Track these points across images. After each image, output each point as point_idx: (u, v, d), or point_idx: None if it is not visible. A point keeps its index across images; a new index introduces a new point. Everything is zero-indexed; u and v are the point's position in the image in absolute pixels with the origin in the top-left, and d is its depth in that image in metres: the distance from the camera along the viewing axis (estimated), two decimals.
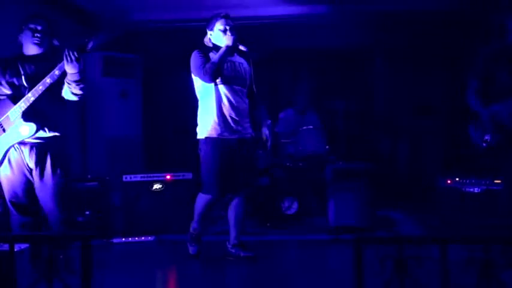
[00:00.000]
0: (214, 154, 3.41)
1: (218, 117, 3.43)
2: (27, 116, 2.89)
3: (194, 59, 3.44)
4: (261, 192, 4.71)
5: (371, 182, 4.35)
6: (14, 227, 3.08)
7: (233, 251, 3.60)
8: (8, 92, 2.99)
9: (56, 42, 3.11)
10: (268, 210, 4.67)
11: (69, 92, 2.97)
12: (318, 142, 5.00)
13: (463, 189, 3.94)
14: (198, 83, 3.50)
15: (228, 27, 3.44)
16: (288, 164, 4.97)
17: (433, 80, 6.29)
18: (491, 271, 1.65)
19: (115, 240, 4.19)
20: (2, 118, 2.94)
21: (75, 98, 3.01)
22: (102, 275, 3.00)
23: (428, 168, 6.37)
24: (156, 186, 4.39)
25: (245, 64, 3.59)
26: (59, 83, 2.91)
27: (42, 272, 1.69)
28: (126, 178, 4.35)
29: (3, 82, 3.01)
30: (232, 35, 3.39)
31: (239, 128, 3.48)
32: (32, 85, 2.89)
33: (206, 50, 3.51)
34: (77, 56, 2.77)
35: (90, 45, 2.80)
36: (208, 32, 3.55)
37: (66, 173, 3.11)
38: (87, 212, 4.09)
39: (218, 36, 3.48)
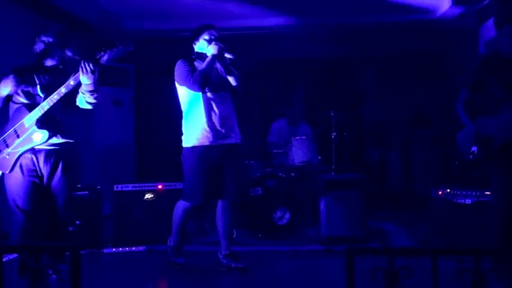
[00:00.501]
0: (201, 163, 3.44)
1: (208, 125, 3.46)
2: (41, 123, 2.98)
3: (180, 68, 3.47)
4: (253, 202, 4.70)
5: (363, 192, 4.36)
6: (15, 232, 3.09)
7: (224, 261, 3.58)
8: (24, 100, 3.07)
9: (69, 53, 3.20)
10: (260, 221, 4.65)
11: (84, 101, 3.10)
12: (310, 152, 5.01)
13: (454, 200, 3.95)
14: (183, 92, 3.53)
15: (213, 37, 3.51)
16: (280, 174, 4.97)
17: (425, 90, 6.34)
18: (482, 282, 1.66)
19: (105, 251, 4.15)
20: (17, 125, 3.03)
21: (89, 107, 3.14)
22: (91, 286, 2.97)
23: (420, 179, 6.40)
24: (148, 195, 4.36)
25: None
26: (73, 92, 3.02)
27: (30, 282, 1.67)
28: (117, 188, 4.32)
29: (19, 91, 3.08)
30: (217, 44, 3.43)
31: (229, 133, 3.53)
32: (46, 94, 2.99)
33: (190, 59, 3.55)
34: (92, 68, 2.90)
35: (105, 58, 2.92)
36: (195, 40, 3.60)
37: (77, 179, 3.27)
38: (78, 222, 4.05)
39: (203, 45, 3.54)
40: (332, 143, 4.97)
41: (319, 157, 5.16)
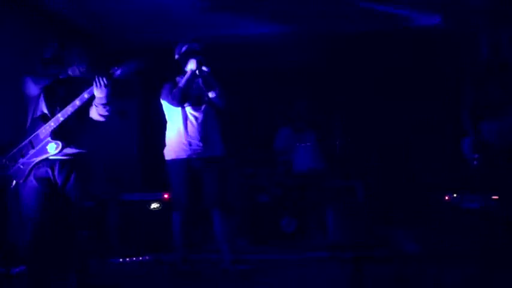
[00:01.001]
0: (181, 174, 3.53)
1: (186, 139, 3.55)
2: (55, 134, 3.05)
3: (163, 85, 3.62)
4: (259, 210, 4.70)
5: (369, 198, 4.35)
6: (25, 241, 3.11)
7: (230, 268, 3.58)
8: (45, 111, 3.13)
9: (75, 68, 3.23)
10: (267, 228, 4.65)
11: (97, 114, 3.16)
12: (316, 159, 5.02)
13: (462, 205, 3.93)
14: (165, 107, 3.66)
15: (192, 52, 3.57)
16: (286, 181, 4.96)
17: (427, 95, 6.33)
18: (488, 286, 1.65)
19: (112, 261, 4.15)
20: (33, 135, 3.09)
21: (101, 119, 3.20)
22: None
23: (427, 185, 6.37)
24: (154, 205, 4.37)
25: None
26: (86, 104, 3.09)
27: None
28: (123, 197, 4.34)
29: (42, 97, 3.14)
30: (195, 59, 3.49)
31: (209, 147, 3.58)
32: (62, 106, 3.06)
33: (174, 79, 3.64)
34: (106, 82, 2.98)
35: (118, 72, 3.00)
36: (176, 57, 3.69)
37: (88, 189, 3.29)
38: (84, 232, 4.06)
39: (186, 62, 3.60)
40: (337, 150, 4.96)
41: (325, 164, 5.15)
